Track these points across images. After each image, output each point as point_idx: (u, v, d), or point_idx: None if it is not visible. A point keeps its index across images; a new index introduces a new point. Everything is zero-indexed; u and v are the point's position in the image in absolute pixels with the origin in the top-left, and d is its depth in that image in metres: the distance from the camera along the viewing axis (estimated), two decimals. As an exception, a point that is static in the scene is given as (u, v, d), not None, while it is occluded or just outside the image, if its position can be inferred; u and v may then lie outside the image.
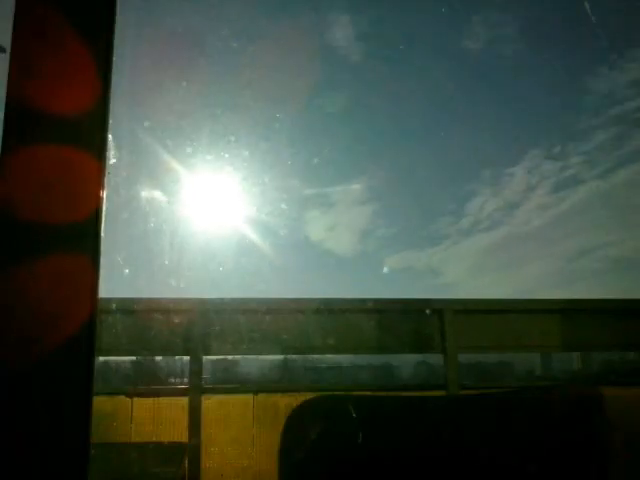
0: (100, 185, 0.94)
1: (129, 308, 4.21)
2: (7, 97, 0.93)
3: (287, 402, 3.85)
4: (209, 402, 4.04)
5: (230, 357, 5.10)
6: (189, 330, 4.20)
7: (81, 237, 0.92)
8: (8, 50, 0.94)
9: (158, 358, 4.99)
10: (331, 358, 5.38)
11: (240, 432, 4.02)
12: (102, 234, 0.93)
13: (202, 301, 4.38)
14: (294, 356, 5.03)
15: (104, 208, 0.94)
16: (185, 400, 4.03)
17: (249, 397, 4.15)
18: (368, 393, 4.40)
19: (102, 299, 0.92)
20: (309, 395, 3.29)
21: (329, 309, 4.54)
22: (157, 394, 4.22)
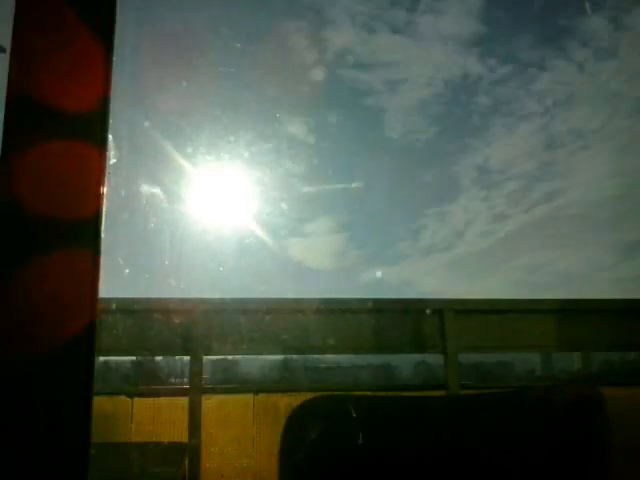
0: (100, 185, 0.94)
1: (129, 308, 4.21)
2: (7, 97, 0.93)
3: (287, 402, 3.85)
4: (209, 402, 4.04)
5: (230, 357, 5.10)
6: (189, 330, 4.20)
7: (81, 237, 0.92)
8: (8, 50, 0.94)
9: (158, 358, 4.99)
10: (331, 358, 5.38)
11: (240, 432, 4.02)
12: (102, 234, 0.93)
13: (202, 301, 4.38)
14: (294, 356, 5.03)
15: (104, 208, 0.94)
16: (185, 400, 4.03)
17: (249, 397, 4.15)
18: (368, 393, 4.40)
19: (102, 299, 0.92)
20: (309, 395, 3.29)
21: (329, 309, 4.54)
22: (157, 394, 4.22)
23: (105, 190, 0.95)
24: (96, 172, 0.94)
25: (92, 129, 0.95)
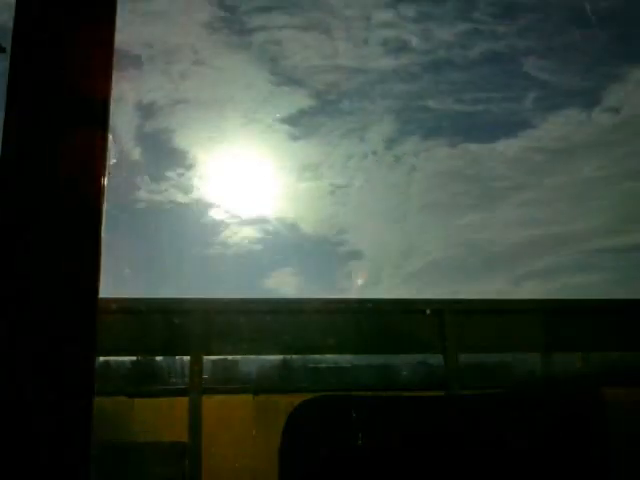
0: (101, 185, 0.94)
1: (129, 308, 4.21)
2: (7, 97, 0.93)
3: (287, 402, 3.84)
4: (209, 402, 4.04)
5: (230, 357, 5.09)
6: (189, 330, 4.20)
7: (81, 237, 0.92)
8: (8, 50, 0.95)
9: (158, 358, 4.99)
10: (331, 358, 5.38)
11: (240, 432, 4.02)
12: (102, 234, 0.93)
13: (202, 301, 4.38)
14: (294, 356, 5.03)
15: (104, 208, 0.94)
16: (185, 400, 4.03)
17: (249, 397, 4.15)
18: (368, 393, 4.40)
19: (102, 299, 0.92)
20: (309, 395, 3.29)
21: (329, 309, 4.54)
22: (157, 394, 4.22)
23: (105, 190, 0.95)
24: (96, 172, 0.94)
25: (92, 130, 0.95)
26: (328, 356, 5.22)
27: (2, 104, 0.93)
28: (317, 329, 4.45)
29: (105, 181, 0.95)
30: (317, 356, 5.23)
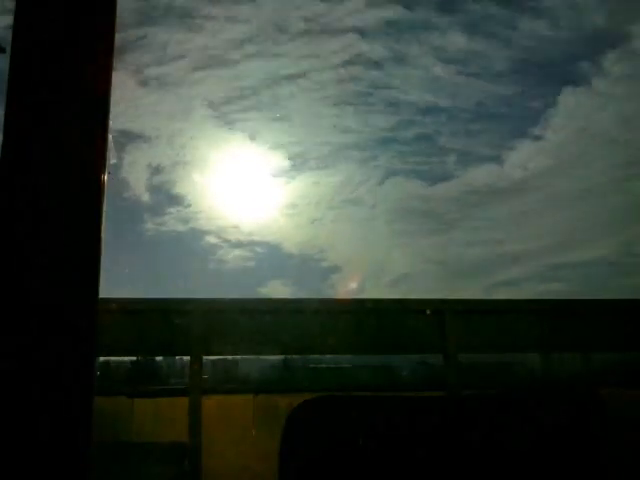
0: (101, 185, 0.94)
1: (129, 308, 4.21)
2: (7, 97, 0.93)
3: (287, 402, 3.84)
4: (209, 402, 4.04)
5: (230, 357, 5.10)
6: (189, 330, 4.20)
7: (81, 237, 0.92)
8: (8, 50, 0.95)
9: (158, 358, 4.99)
10: (331, 358, 5.38)
11: (240, 432, 4.02)
12: (102, 234, 0.93)
13: (202, 301, 4.38)
14: (294, 356, 5.03)
15: (105, 208, 0.94)
16: (185, 400, 4.03)
17: (249, 397, 4.15)
18: (368, 393, 4.40)
19: (102, 299, 0.92)
20: (309, 395, 3.29)
21: (329, 309, 4.54)
22: (157, 394, 4.22)
23: (105, 190, 0.95)
24: (96, 172, 0.94)
25: (92, 129, 0.95)
26: (328, 356, 5.22)
27: (2, 104, 0.93)
28: (317, 329, 4.45)
29: (105, 181, 0.95)
30: (317, 356, 5.24)
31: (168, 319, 4.27)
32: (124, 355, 4.60)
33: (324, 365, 5.52)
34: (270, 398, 4.12)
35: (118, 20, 1.00)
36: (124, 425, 3.94)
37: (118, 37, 0.99)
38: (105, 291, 0.92)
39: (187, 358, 4.26)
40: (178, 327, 4.25)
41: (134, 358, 4.85)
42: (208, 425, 3.95)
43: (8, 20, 0.96)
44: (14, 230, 0.90)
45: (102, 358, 4.11)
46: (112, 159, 1.01)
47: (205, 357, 4.29)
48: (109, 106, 0.97)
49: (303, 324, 4.47)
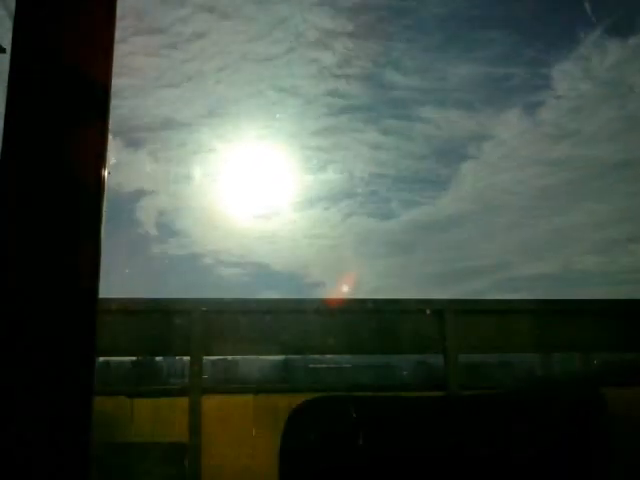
0: (101, 185, 0.94)
1: (129, 308, 4.21)
2: (7, 97, 0.93)
3: (287, 402, 3.84)
4: (209, 402, 4.04)
5: (230, 357, 5.09)
6: (189, 330, 4.20)
7: (81, 237, 0.92)
8: (8, 50, 0.94)
9: (158, 358, 4.99)
10: (331, 358, 5.38)
11: (240, 432, 4.02)
12: (102, 234, 0.93)
13: (202, 301, 4.38)
14: (294, 356, 5.03)
15: (105, 208, 0.94)
16: (185, 400, 4.03)
17: (249, 397, 4.15)
18: (368, 394, 4.40)
19: (102, 299, 0.92)
20: (309, 395, 3.29)
21: (329, 309, 4.54)
22: (157, 394, 4.22)
23: (105, 190, 0.95)
24: (96, 172, 0.94)
25: (92, 129, 0.95)
26: (328, 356, 5.22)
27: (2, 104, 0.93)
28: (317, 329, 4.45)
29: (105, 181, 0.95)
30: (317, 356, 5.23)
31: (168, 319, 4.27)
32: (124, 355, 4.60)
33: (324, 365, 5.52)
34: (270, 398, 4.12)
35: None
36: (124, 425, 3.94)
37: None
38: (108, 293, 0.92)
39: (187, 358, 4.26)
40: (178, 327, 4.25)
41: (134, 358, 4.85)
42: (208, 425, 3.95)
43: (8, 20, 0.96)
44: (14, 230, 0.90)
45: (102, 358, 4.11)
46: (112, 159, 1.01)
47: (205, 357, 4.29)
48: (109, 106, 0.97)
49: (303, 324, 4.47)
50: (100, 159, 0.95)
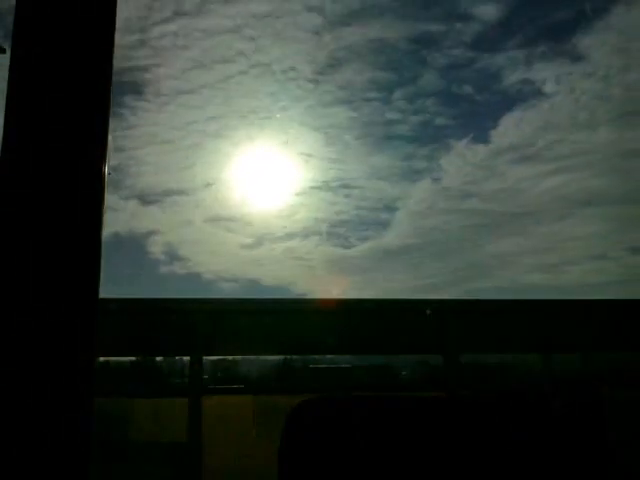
0: (101, 184, 0.94)
1: (129, 308, 4.21)
2: (7, 97, 0.93)
3: (287, 402, 3.84)
4: (209, 402, 4.04)
5: (230, 357, 5.10)
6: (189, 330, 4.20)
7: (81, 237, 0.92)
8: (8, 50, 0.95)
9: (158, 358, 4.99)
10: (331, 358, 5.38)
11: (240, 432, 4.02)
12: (102, 234, 0.93)
13: (202, 301, 4.38)
14: (294, 356, 5.03)
15: (104, 208, 0.94)
16: (185, 400, 4.03)
17: (249, 397, 4.15)
18: (368, 393, 4.40)
19: (102, 299, 0.92)
20: (309, 395, 3.28)
21: (329, 309, 4.54)
22: (157, 394, 4.22)
23: (106, 190, 0.95)
24: (96, 172, 0.94)
25: (92, 129, 0.95)
26: (328, 356, 5.22)
27: (2, 104, 0.93)
28: (317, 329, 4.45)
29: (106, 182, 0.95)
30: (317, 356, 5.23)
31: (168, 319, 4.27)
32: (124, 355, 4.60)
33: (324, 365, 5.52)
34: (270, 398, 4.12)
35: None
36: (124, 425, 3.94)
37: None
38: (109, 294, 0.92)
39: (187, 358, 4.26)
40: (178, 327, 4.25)
41: (134, 358, 4.85)
42: (208, 425, 3.95)
43: (8, 20, 0.96)
44: (13, 230, 0.90)
45: (102, 358, 4.11)
46: (112, 159, 1.01)
47: (205, 357, 4.29)
48: (110, 106, 0.97)
49: (303, 324, 4.48)
50: (101, 159, 0.95)
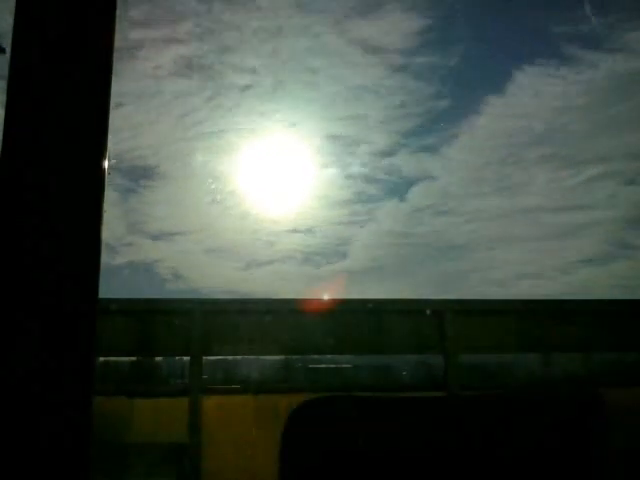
0: (101, 185, 0.94)
1: (129, 308, 4.21)
2: (7, 97, 0.93)
3: (287, 403, 3.84)
4: (209, 402, 4.04)
5: (230, 357, 5.09)
6: (189, 330, 4.20)
7: (81, 237, 0.92)
8: (8, 50, 0.95)
9: (158, 358, 4.99)
10: (331, 358, 5.38)
11: (240, 432, 4.02)
12: (102, 234, 0.93)
13: (202, 301, 4.38)
14: (294, 356, 5.03)
15: (104, 208, 0.94)
16: (185, 400, 4.03)
17: (249, 397, 4.15)
18: (368, 393, 4.40)
19: (102, 299, 0.92)
20: (309, 395, 3.28)
21: (329, 309, 4.54)
22: (157, 394, 4.22)
23: (105, 190, 0.95)
24: (96, 172, 0.94)
25: (92, 130, 0.95)
26: (328, 356, 5.22)
27: (2, 104, 0.93)
28: (317, 329, 4.45)
29: (105, 181, 0.95)
30: (317, 356, 5.23)
31: (168, 319, 4.27)
32: (124, 355, 4.60)
33: (324, 365, 5.52)
34: (270, 398, 4.12)
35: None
36: (124, 425, 3.93)
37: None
38: (108, 293, 0.92)
39: (187, 358, 4.26)
40: (178, 327, 4.25)
41: (134, 358, 4.85)
42: (208, 425, 3.95)
43: (8, 20, 0.96)
44: (13, 230, 0.90)
45: (102, 358, 4.11)
46: (112, 159, 1.01)
47: (205, 357, 4.29)
48: (109, 106, 0.97)
49: (303, 324, 4.48)
50: (101, 159, 0.95)
